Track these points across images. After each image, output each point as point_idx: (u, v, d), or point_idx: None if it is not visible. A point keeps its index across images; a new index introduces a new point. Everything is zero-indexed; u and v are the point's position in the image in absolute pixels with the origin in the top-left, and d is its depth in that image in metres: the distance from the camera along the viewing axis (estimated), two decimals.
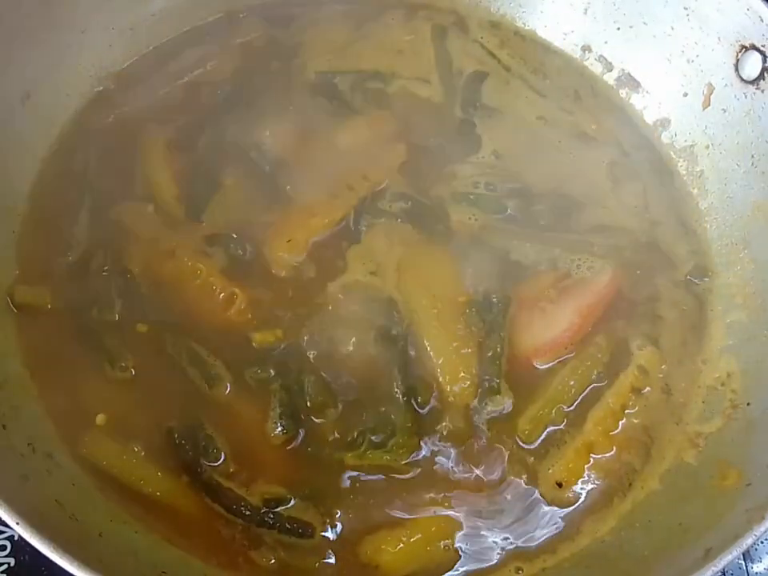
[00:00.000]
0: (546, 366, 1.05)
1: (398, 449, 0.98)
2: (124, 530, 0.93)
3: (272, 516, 0.95)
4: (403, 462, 0.97)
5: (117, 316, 1.06)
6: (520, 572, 0.95)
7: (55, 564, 0.76)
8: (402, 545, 0.94)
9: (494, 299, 1.07)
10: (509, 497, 0.98)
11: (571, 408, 1.03)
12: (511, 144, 1.24)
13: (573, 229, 1.16)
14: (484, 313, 1.06)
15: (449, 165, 1.20)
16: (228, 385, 1.02)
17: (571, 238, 1.15)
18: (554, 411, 1.02)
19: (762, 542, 1.13)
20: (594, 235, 1.15)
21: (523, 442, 1.01)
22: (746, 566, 1.11)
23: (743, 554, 1.09)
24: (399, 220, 1.14)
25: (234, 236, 1.11)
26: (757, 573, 1.11)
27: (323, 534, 0.94)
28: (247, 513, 0.95)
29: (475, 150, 1.23)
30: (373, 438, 0.98)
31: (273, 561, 0.93)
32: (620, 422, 1.03)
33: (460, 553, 0.95)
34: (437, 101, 1.29)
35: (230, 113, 1.23)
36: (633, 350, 1.08)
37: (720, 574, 1.05)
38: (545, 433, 1.01)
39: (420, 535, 0.94)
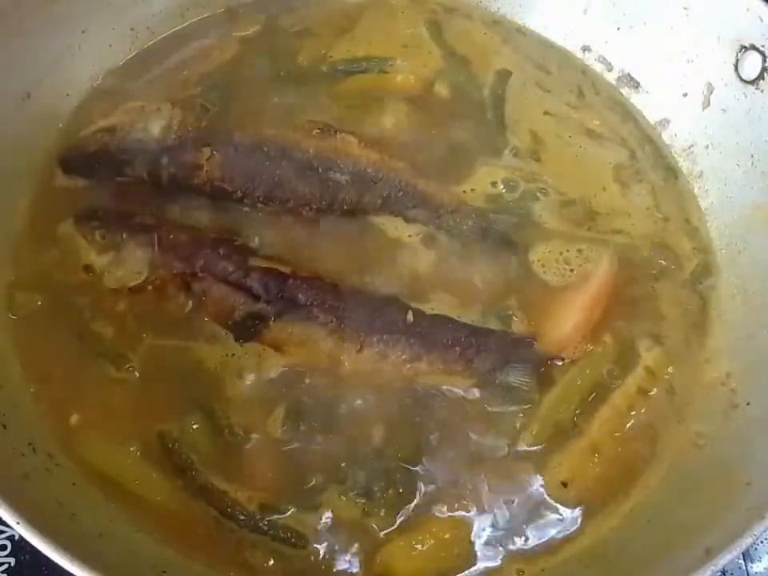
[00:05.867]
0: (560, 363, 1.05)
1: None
2: (124, 530, 0.93)
3: (266, 523, 0.95)
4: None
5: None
6: (521, 573, 0.95)
7: (55, 564, 0.76)
8: (415, 552, 0.94)
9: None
10: (515, 497, 0.98)
11: (579, 408, 1.03)
12: (527, 141, 1.24)
13: (590, 228, 1.16)
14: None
15: (469, 164, 1.20)
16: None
17: (588, 237, 1.15)
18: (562, 411, 1.02)
19: (761, 542, 1.13)
20: (609, 235, 1.16)
21: (531, 442, 1.01)
22: (746, 566, 1.11)
23: (743, 554, 1.10)
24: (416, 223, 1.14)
25: None
26: (756, 572, 1.11)
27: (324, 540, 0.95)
28: (242, 518, 0.95)
29: (494, 148, 1.23)
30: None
31: (271, 562, 0.93)
32: (626, 423, 1.03)
33: (470, 559, 0.95)
34: (448, 96, 1.28)
35: (231, 104, 1.23)
36: (640, 351, 1.08)
37: (720, 573, 1.05)
38: (554, 433, 1.01)
39: (433, 541, 0.95)
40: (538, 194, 1.17)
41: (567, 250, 1.13)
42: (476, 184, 1.18)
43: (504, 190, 1.17)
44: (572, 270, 1.11)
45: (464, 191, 1.16)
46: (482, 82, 1.29)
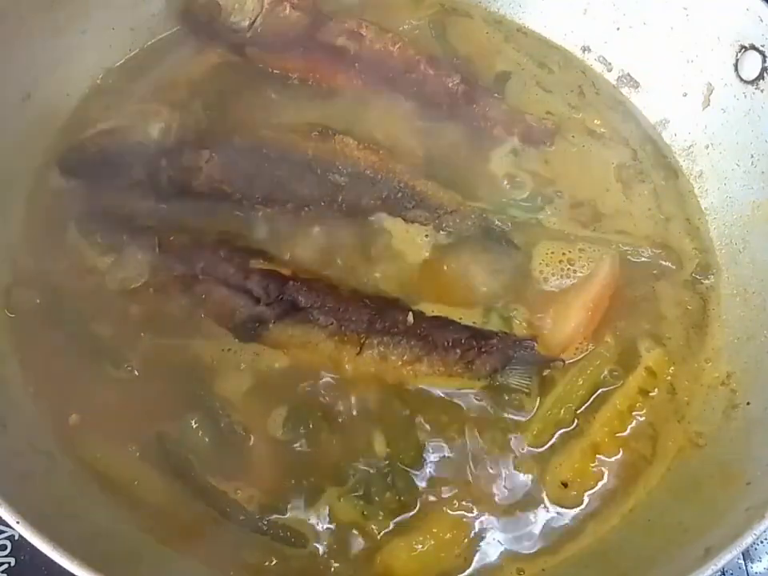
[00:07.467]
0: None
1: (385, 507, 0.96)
2: (124, 529, 0.93)
3: (266, 523, 0.95)
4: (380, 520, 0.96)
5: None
6: (521, 573, 0.95)
7: (55, 563, 0.76)
8: (415, 552, 0.94)
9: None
10: (516, 497, 0.98)
11: (580, 409, 1.03)
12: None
13: (596, 229, 1.17)
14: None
15: (475, 165, 1.20)
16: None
17: (590, 238, 1.15)
18: (563, 411, 1.02)
19: (761, 542, 1.13)
20: (612, 235, 1.16)
21: (531, 442, 1.01)
22: (746, 566, 1.11)
23: (743, 554, 1.10)
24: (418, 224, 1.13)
25: None
26: (756, 572, 1.11)
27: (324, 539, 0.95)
28: (241, 518, 0.95)
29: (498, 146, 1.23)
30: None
31: (271, 562, 0.93)
32: (627, 423, 1.03)
33: (470, 559, 0.95)
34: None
35: (230, 105, 1.22)
36: (641, 351, 1.08)
37: (720, 573, 1.05)
38: (555, 433, 1.01)
39: (433, 542, 0.94)
40: (554, 196, 1.18)
41: (570, 251, 1.13)
42: (488, 184, 1.18)
43: (516, 191, 1.18)
44: (574, 271, 1.11)
45: (479, 193, 1.17)
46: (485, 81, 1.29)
